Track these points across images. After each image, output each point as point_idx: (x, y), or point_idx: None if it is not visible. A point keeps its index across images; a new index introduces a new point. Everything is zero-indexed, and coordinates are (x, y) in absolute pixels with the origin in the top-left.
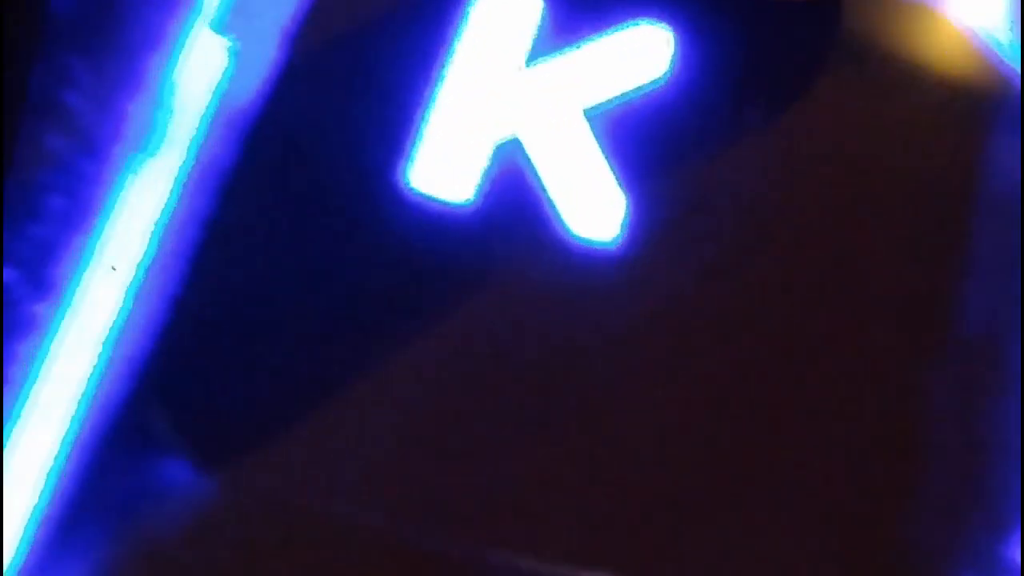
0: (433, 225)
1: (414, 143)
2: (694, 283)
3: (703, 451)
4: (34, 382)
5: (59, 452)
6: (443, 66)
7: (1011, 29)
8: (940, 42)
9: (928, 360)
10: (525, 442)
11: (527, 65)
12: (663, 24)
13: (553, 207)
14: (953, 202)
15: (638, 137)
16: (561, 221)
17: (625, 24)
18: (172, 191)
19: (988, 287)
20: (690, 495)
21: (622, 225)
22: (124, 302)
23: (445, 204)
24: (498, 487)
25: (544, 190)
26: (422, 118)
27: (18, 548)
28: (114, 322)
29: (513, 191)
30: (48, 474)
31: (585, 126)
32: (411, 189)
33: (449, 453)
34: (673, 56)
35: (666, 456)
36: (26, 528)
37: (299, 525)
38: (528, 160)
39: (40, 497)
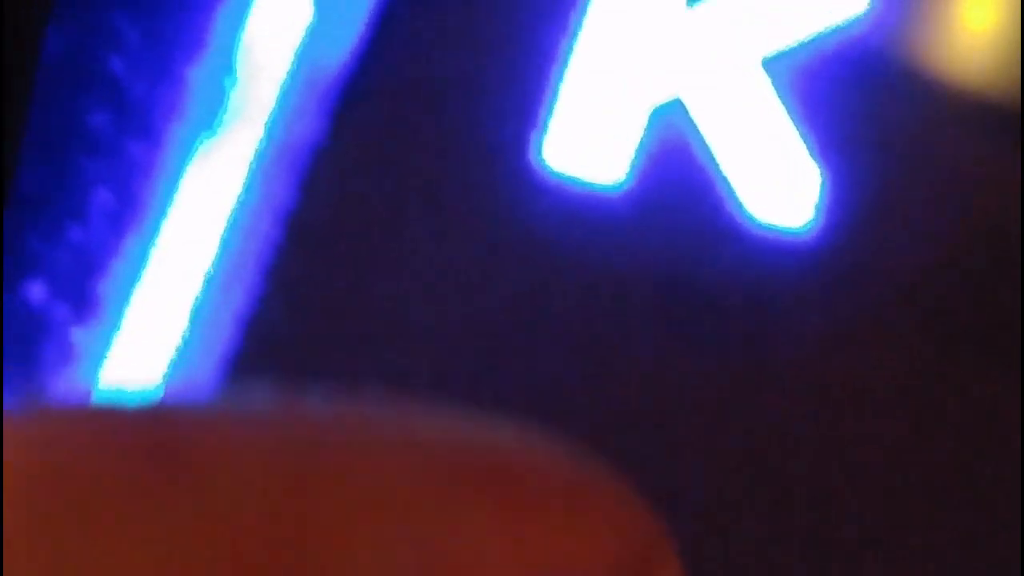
0: (575, 215)
1: (549, 111)
2: (910, 280)
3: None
4: None
5: None
6: (584, 10)
7: None
8: None
9: None
10: (710, 477)
11: (689, 5)
12: None
13: (728, 187)
14: None
15: (834, 92)
16: (738, 205)
17: None
18: (245, 178)
19: None
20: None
21: (817, 208)
22: (186, 323)
23: (590, 187)
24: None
25: (715, 166)
26: (559, 78)
27: None
28: (173, 349)
29: (676, 168)
30: None
31: (766, 81)
32: (546, 169)
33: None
34: None
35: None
36: None
37: None
38: (694, 128)
39: None
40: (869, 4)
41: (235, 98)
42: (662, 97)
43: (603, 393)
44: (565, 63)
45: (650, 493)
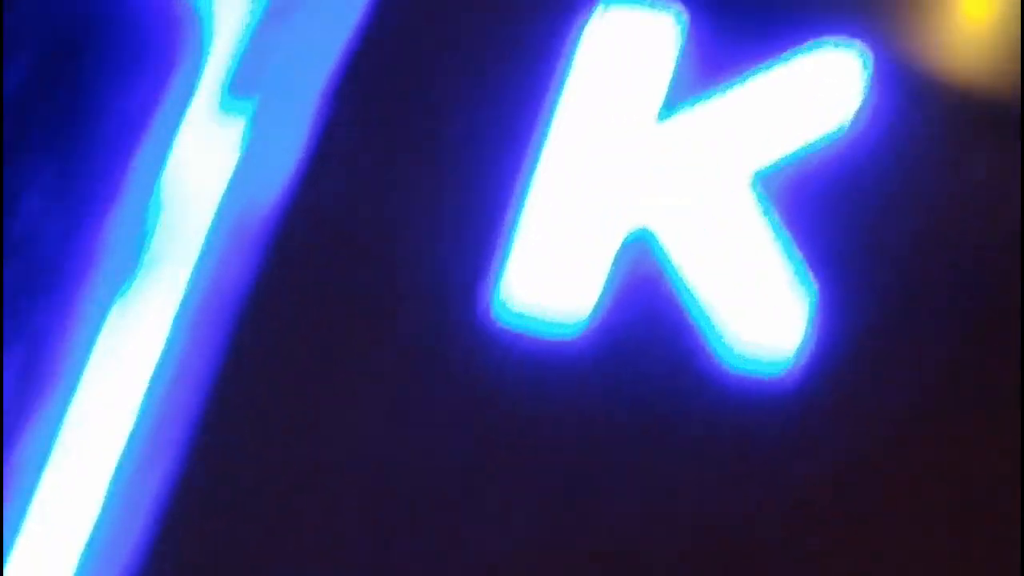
0: (535, 360)
1: (505, 246)
2: (922, 424)
3: None
4: None
5: None
6: (543, 130)
7: None
8: None
9: None
10: None
11: (660, 119)
12: (852, 44)
13: (705, 325)
14: None
15: (823, 207)
16: (717, 344)
17: (799, 48)
18: (169, 332)
19: None
20: None
21: (805, 334)
22: (103, 501)
23: (551, 329)
24: None
25: (691, 304)
26: (515, 208)
27: None
28: (90, 526)
29: (645, 307)
30: None
31: (751, 199)
32: (503, 315)
33: None
34: (867, 88)
35: None
36: None
37: None
38: (666, 261)
39: None
40: (860, 108)
41: (157, 245)
42: (631, 225)
43: (575, 549)
44: (525, 191)
45: None
